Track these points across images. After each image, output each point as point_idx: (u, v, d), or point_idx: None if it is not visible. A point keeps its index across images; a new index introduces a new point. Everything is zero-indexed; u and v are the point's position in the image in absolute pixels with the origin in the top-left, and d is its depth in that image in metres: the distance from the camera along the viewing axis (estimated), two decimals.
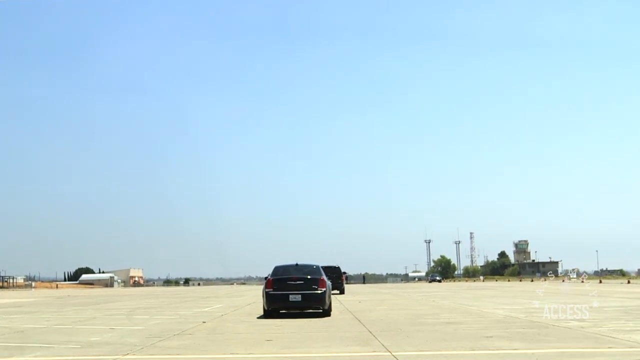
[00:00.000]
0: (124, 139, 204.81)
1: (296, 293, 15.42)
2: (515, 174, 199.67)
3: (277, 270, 16.48)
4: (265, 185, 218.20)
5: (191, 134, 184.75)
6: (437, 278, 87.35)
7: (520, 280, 77.36)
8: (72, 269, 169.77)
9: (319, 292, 15.53)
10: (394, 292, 35.09)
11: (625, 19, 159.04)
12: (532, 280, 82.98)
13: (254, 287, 64.51)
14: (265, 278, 16.58)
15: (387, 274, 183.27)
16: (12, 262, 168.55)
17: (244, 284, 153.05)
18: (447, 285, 58.84)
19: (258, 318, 16.04)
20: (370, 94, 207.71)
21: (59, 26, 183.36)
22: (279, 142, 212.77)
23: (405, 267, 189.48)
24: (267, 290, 15.77)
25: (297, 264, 16.77)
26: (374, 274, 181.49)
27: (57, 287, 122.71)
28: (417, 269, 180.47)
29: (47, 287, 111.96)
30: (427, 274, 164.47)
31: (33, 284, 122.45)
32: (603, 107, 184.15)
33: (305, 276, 15.80)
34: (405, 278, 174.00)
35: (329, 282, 16.24)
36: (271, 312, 15.89)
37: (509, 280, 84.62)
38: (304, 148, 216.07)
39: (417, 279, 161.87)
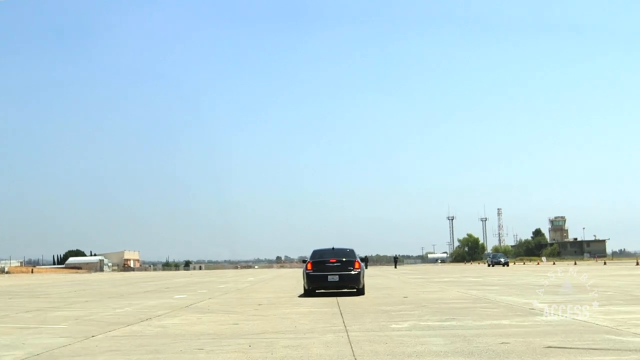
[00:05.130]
0: (131, 121, 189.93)
1: (334, 274, 15.55)
2: (546, 146, 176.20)
3: (315, 253, 16.43)
4: (276, 167, 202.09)
5: (201, 116, 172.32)
6: (502, 260, 59.81)
7: (604, 263, 54.83)
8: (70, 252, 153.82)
9: (354, 273, 15.64)
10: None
11: None
12: (605, 263, 60.34)
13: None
14: (304, 261, 16.90)
15: (399, 255, 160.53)
16: (12, 245, 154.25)
17: (250, 267, 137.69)
18: (536, 271, 34.88)
19: (299, 297, 15.59)
20: (388, 74, 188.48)
21: (72, 9, 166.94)
22: (291, 125, 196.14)
23: (422, 248, 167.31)
24: (307, 271, 15.92)
25: (333, 248, 16.58)
26: (385, 256, 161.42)
27: (32, 272, 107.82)
28: (435, 250, 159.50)
29: (23, 272, 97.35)
30: (451, 254, 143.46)
31: (6, 268, 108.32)
32: None
33: (341, 258, 15.79)
34: (425, 259, 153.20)
35: (362, 264, 16.30)
36: (311, 291, 16.02)
37: (557, 261, 61.31)
38: (316, 130, 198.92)
39: (439, 261, 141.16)
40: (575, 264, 52.80)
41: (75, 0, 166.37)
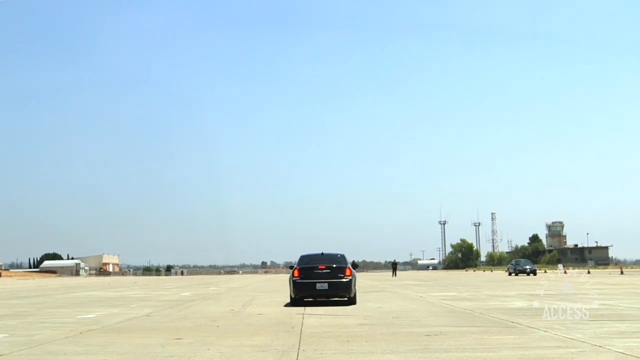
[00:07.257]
0: (119, 123, 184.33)
1: (323, 281, 14.15)
2: (543, 148, 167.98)
3: (303, 259, 15.01)
4: (266, 171, 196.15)
5: (191, 118, 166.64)
6: (528, 268, 46.58)
7: None
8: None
9: (345, 280, 14.19)
10: None
11: None
12: None
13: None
14: (291, 267, 15.34)
15: (386, 262, 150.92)
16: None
17: (234, 272, 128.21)
18: (603, 284, 22.47)
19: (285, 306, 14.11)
20: (381, 78, 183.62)
21: (68, 12, 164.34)
22: (282, 128, 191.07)
23: (411, 254, 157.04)
24: (294, 278, 14.42)
25: (322, 253, 15.14)
26: (371, 262, 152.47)
27: (0, 275, 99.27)
28: (424, 256, 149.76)
29: None
30: (443, 260, 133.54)
31: None
32: None
33: (331, 265, 14.37)
34: (414, 266, 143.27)
35: (354, 271, 14.73)
36: (297, 300, 14.55)
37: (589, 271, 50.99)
38: (306, 134, 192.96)
39: (430, 267, 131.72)
40: (621, 272, 43.91)
41: (70, 4, 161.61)
